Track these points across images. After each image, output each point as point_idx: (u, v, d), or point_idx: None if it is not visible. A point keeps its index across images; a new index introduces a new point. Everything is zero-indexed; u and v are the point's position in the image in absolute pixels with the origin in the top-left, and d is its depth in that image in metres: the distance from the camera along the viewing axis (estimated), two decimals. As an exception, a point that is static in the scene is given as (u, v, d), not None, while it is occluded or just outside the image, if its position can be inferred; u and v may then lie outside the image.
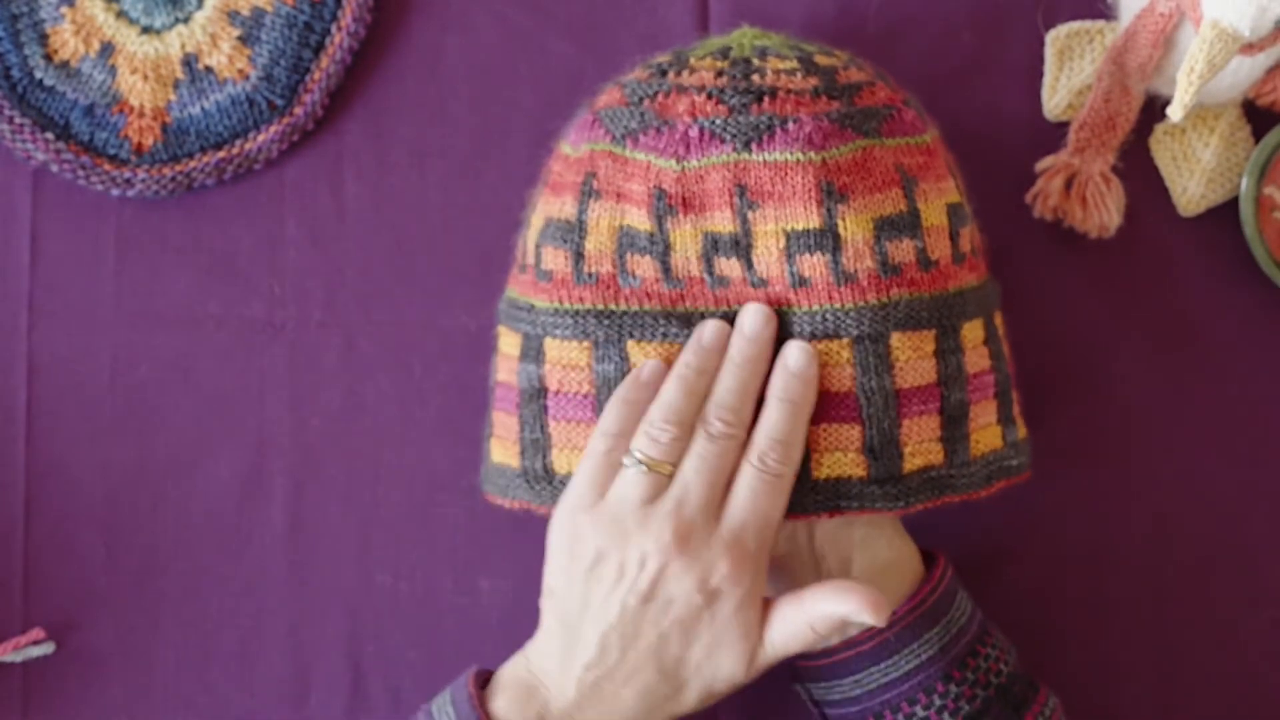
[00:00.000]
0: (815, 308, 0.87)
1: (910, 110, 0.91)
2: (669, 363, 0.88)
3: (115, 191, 1.00)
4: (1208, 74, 0.85)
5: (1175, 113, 0.86)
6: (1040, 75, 1.00)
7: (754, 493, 0.86)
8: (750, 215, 0.87)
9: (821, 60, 0.90)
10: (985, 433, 0.90)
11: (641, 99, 0.90)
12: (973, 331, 0.89)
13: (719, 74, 0.89)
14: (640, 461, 0.86)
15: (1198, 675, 0.98)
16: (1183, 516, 0.99)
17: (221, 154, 1.00)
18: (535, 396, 0.91)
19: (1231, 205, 0.99)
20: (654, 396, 0.88)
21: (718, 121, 0.88)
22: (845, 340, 0.87)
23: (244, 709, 0.99)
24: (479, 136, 1.01)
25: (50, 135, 1.00)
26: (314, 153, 1.01)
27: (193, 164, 1.00)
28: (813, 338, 0.87)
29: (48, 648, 0.99)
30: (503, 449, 0.93)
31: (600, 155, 0.90)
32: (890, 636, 0.88)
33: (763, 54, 0.90)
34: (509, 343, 0.93)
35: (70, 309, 1.01)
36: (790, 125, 0.87)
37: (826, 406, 0.87)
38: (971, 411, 0.89)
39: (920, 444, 0.88)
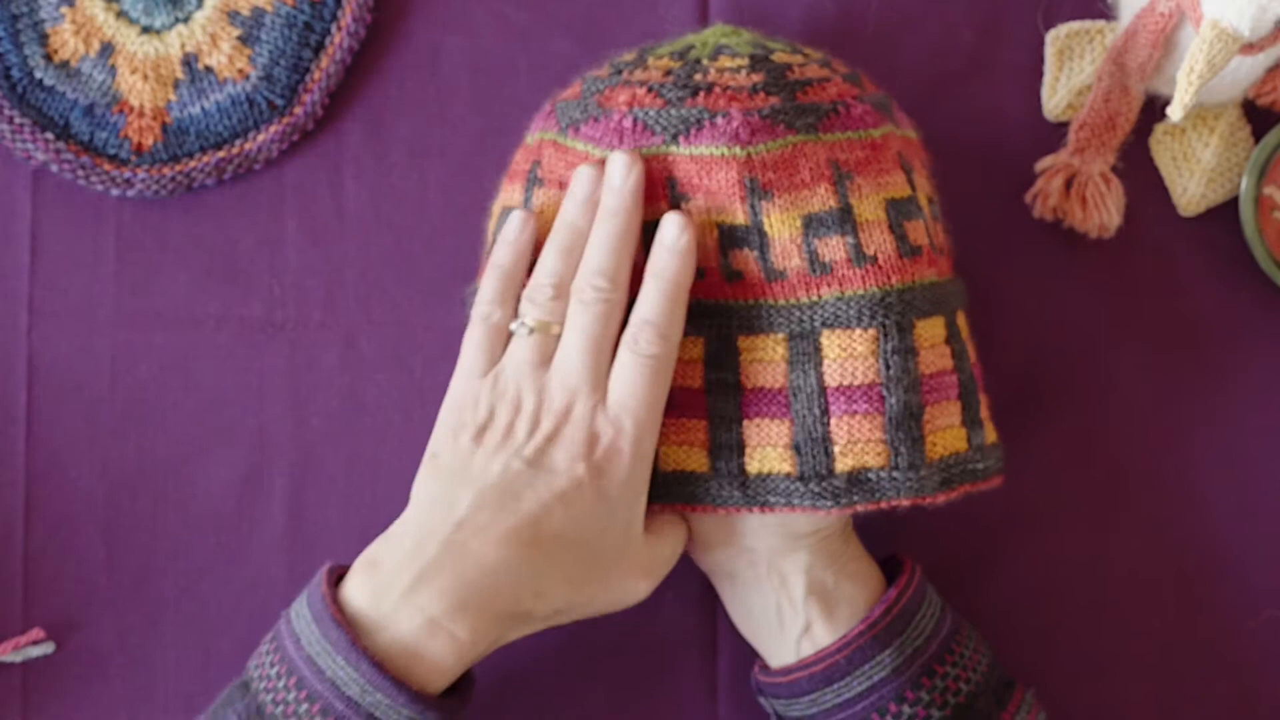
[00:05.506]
0: (750, 302, 0.86)
1: (861, 105, 0.88)
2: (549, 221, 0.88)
3: (115, 191, 1.00)
4: (1208, 74, 0.85)
5: (1175, 113, 0.86)
6: (1040, 75, 1.00)
7: (630, 375, 0.85)
8: (685, 207, 0.86)
9: (779, 58, 0.89)
10: (945, 435, 0.87)
11: (594, 93, 0.90)
12: (929, 330, 0.87)
13: (667, 72, 0.89)
14: (525, 325, 0.86)
15: (1196, 676, 0.98)
16: (1181, 516, 0.99)
17: (221, 154, 1.00)
18: None
19: (1231, 205, 0.99)
20: (529, 254, 0.88)
21: (650, 113, 0.87)
22: (780, 336, 0.86)
23: (244, 709, 0.99)
24: (479, 136, 1.01)
25: (50, 135, 1.00)
26: (314, 153, 1.01)
27: (193, 164, 1.00)
28: (750, 332, 0.86)
29: (48, 648, 0.99)
30: None
31: (546, 144, 0.91)
32: (841, 659, 0.87)
33: (717, 53, 0.90)
34: None
35: (70, 309, 1.01)
36: (719, 120, 0.86)
37: (760, 401, 0.86)
38: (927, 413, 0.86)
39: (854, 444, 0.85)
